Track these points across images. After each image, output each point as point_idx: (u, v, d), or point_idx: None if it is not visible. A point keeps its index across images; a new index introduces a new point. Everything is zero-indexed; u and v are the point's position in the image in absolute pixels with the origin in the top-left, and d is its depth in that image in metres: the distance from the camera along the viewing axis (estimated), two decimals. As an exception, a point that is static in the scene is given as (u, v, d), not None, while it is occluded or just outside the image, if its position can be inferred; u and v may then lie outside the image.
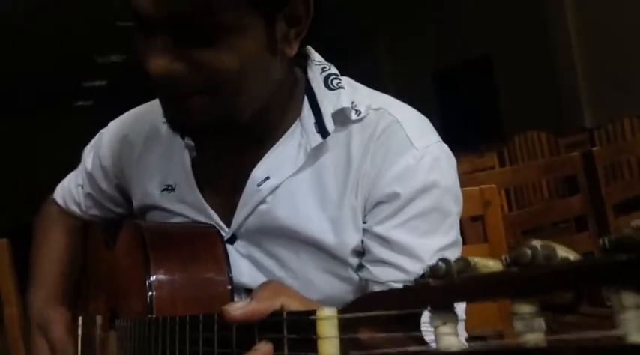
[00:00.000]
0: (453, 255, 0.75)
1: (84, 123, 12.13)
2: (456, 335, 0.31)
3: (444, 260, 0.31)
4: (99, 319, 0.95)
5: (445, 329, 0.31)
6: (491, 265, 0.31)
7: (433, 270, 0.31)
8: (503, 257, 0.29)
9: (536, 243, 0.28)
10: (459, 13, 8.09)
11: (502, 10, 7.45)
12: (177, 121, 0.70)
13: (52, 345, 0.88)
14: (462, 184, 1.51)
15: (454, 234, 0.76)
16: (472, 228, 1.35)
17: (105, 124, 0.98)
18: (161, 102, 0.71)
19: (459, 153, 5.35)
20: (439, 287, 0.31)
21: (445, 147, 0.76)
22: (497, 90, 7.99)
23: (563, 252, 0.29)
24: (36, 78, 8.79)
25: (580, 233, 1.87)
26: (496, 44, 7.68)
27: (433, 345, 0.32)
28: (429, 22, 8.61)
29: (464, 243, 1.33)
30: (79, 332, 0.97)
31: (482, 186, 1.19)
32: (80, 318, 0.99)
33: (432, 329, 0.32)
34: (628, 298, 0.25)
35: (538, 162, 2.96)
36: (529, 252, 0.27)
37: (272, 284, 0.58)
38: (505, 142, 4.26)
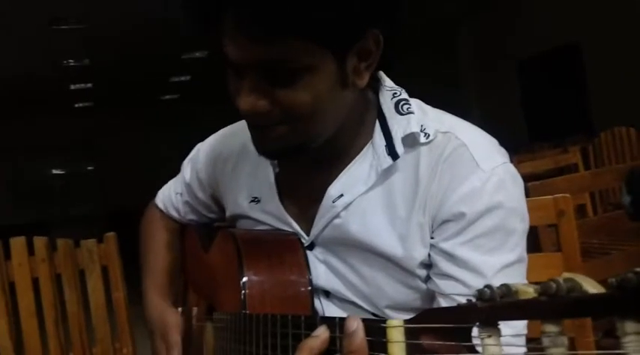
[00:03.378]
0: (517, 271, 0.78)
1: (171, 114, 12.67)
2: (498, 346, 0.39)
3: (489, 286, 0.39)
4: (195, 310, 1.07)
5: (489, 341, 0.39)
6: (530, 291, 0.39)
7: (481, 294, 0.39)
8: (534, 288, 0.36)
9: (562, 277, 0.36)
10: (545, -2, 7.76)
11: (592, -5, 7.10)
12: (262, 146, 0.79)
13: (168, 348, 0.99)
14: (538, 191, 1.51)
15: (519, 251, 0.78)
16: (548, 234, 1.36)
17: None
18: (249, 129, 0.80)
19: (543, 147, 5.19)
20: (485, 309, 0.38)
21: (511, 167, 0.79)
22: (586, 80, 7.62)
23: (587, 285, 0.36)
24: (129, 75, 9.34)
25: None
26: (586, 31, 7.32)
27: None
28: (513, 8, 8.31)
29: (539, 250, 1.34)
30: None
31: (557, 196, 1.20)
32: (180, 309, 1.12)
33: (480, 340, 0.40)
34: (629, 326, 0.32)
35: (618, 166, 2.84)
36: (554, 285, 0.35)
37: None
38: (592, 136, 4.10)
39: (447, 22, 8.98)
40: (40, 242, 1.71)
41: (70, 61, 7.87)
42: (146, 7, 5.75)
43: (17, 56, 7.17)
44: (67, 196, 12.35)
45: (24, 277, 1.69)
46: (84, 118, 11.68)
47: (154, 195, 1.19)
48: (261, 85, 0.72)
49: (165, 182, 1.18)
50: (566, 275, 0.37)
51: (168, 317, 1.02)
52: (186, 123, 11.23)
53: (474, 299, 0.40)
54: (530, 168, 2.90)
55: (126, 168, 11.67)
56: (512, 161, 0.81)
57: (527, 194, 1.57)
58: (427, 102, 0.87)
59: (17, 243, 1.68)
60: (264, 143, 0.79)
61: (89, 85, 9.55)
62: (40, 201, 11.79)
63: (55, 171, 12.72)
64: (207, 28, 0.71)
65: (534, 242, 1.44)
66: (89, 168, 12.79)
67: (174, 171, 1.15)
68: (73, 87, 9.51)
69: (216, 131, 1.07)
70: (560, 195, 1.21)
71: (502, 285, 0.39)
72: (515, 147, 5.31)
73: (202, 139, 1.10)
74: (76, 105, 11.21)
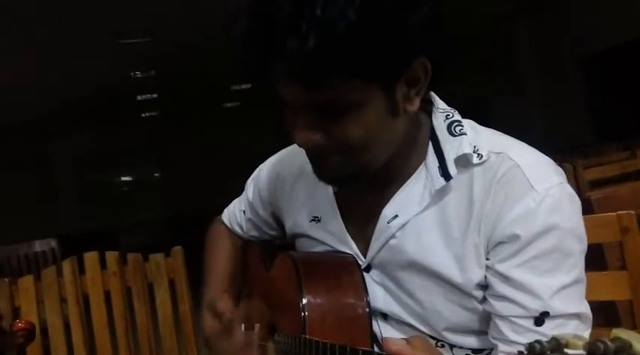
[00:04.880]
0: (575, 292, 0.77)
1: (232, 121, 12.95)
2: (550, 399, 0.39)
3: (538, 341, 0.39)
4: (257, 327, 1.11)
5: (541, 394, 0.39)
6: (579, 345, 0.39)
7: (531, 348, 0.40)
8: (583, 343, 0.37)
9: (611, 335, 0.36)
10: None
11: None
12: (319, 174, 0.83)
13: (218, 316, 0.98)
14: (603, 205, 1.45)
15: (576, 272, 0.77)
16: (613, 250, 1.32)
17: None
18: (307, 157, 0.84)
19: (611, 148, 4.97)
20: (534, 362, 0.39)
21: (567, 188, 0.79)
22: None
23: (637, 344, 0.36)
24: (192, 85, 9.62)
25: None
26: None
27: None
28: (574, 3, 7.99)
29: (605, 268, 1.30)
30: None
31: (620, 213, 1.17)
32: (242, 325, 1.15)
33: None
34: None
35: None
36: (601, 346, 0.35)
37: (426, 341, 0.66)
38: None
39: (505, 21, 8.74)
40: (111, 256, 1.80)
41: (137, 72, 8.19)
42: (207, 21, 5.93)
43: (88, 69, 7.52)
44: (135, 201, 12.84)
45: (97, 290, 1.78)
46: (150, 127, 12.13)
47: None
48: (314, 120, 0.75)
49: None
50: (616, 332, 0.37)
51: (219, 296, 1.04)
52: (247, 129, 11.48)
53: (525, 352, 0.40)
54: (597, 175, 2.81)
55: (190, 174, 12.05)
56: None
57: (591, 209, 1.51)
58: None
59: (90, 258, 1.78)
60: (321, 171, 0.83)
61: (154, 95, 9.90)
62: (109, 207, 12.31)
63: (123, 178, 13.26)
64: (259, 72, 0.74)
65: (599, 259, 1.39)
66: (155, 174, 13.25)
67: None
68: (139, 98, 9.89)
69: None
70: (625, 212, 1.18)
71: (552, 338, 0.39)
72: (584, 151, 5.11)
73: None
74: (143, 115, 11.64)
